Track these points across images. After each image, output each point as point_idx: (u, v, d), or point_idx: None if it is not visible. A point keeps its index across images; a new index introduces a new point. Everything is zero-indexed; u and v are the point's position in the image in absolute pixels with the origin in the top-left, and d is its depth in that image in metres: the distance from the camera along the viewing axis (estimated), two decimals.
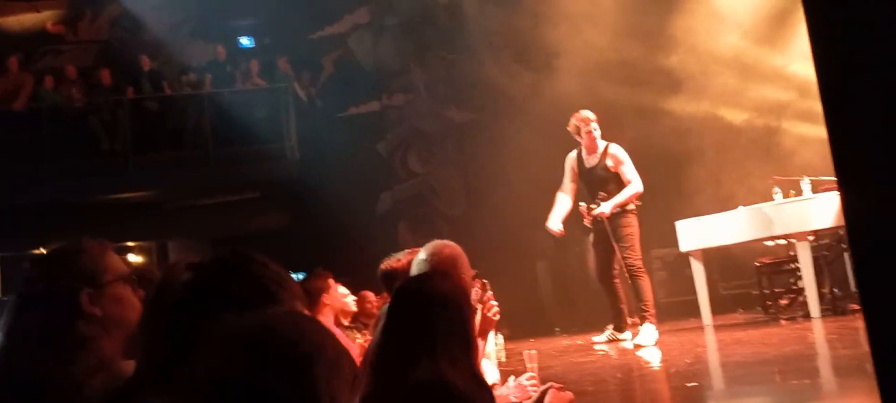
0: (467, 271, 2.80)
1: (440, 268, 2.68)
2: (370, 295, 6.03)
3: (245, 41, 12.40)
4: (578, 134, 6.70)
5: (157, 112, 11.18)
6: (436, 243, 2.86)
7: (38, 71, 11.53)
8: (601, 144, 6.67)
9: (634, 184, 6.53)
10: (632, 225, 6.49)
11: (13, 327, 1.64)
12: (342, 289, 4.74)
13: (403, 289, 2.16)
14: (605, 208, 6.45)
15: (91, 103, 11.11)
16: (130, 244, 12.81)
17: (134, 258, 12.99)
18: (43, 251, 1.88)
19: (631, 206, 6.53)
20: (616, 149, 6.65)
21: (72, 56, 12.12)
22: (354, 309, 4.90)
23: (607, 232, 6.51)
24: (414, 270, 2.82)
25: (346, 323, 4.76)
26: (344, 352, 1.08)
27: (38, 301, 1.65)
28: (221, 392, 1.03)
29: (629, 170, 6.57)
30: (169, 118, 11.16)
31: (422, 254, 2.83)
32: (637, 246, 6.49)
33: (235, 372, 1.03)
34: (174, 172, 10.77)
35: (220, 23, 12.05)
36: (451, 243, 2.88)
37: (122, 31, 12.44)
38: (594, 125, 6.64)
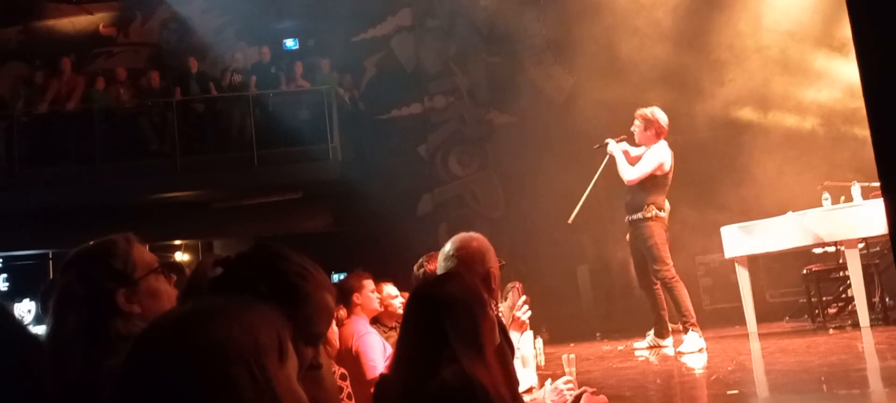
0: (494, 263, 2.77)
1: (460, 265, 2.67)
2: (407, 295, 6.05)
3: (289, 43, 12.56)
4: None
5: (203, 113, 11.40)
6: (462, 236, 2.83)
7: (89, 72, 11.84)
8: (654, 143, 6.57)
9: (626, 171, 6.47)
10: (654, 236, 6.37)
11: (58, 330, 1.69)
12: (391, 289, 4.77)
13: (414, 294, 2.17)
14: (613, 146, 6.56)
15: (141, 104, 11.37)
16: (177, 242, 13.08)
17: (181, 256, 13.25)
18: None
19: (650, 215, 6.40)
20: (654, 150, 6.53)
21: (123, 58, 12.42)
22: (401, 311, 4.91)
23: (635, 239, 6.50)
24: (440, 262, 2.80)
25: (392, 324, 4.77)
26: (262, 344, 1.02)
27: (78, 305, 1.69)
28: (121, 387, 1.02)
29: (639, 165, 6.49)
30: (215, 119, 11.36)
31: (448, 247, 2.81)
32: (664, 256, 6.36)
33: (133, 369, 1.02)
34: (220, 173, 10.95)
35: (264, 25, 12.23)
36: (478, 235, 2.85)
37: (172, 33, 12.70)
38: (637, 122, 6.60)
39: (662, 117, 6.58)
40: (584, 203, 6.78)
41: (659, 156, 6.45)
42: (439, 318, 2.01)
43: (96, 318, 1.68)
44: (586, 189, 6.75)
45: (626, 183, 6.52)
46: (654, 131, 6.51)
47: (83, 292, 1.71)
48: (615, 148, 6.60)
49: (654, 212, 6.39)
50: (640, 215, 6.42)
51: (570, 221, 6.89)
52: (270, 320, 1.06)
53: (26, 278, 11.83)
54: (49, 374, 1.65)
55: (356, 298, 4.23)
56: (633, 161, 6.59)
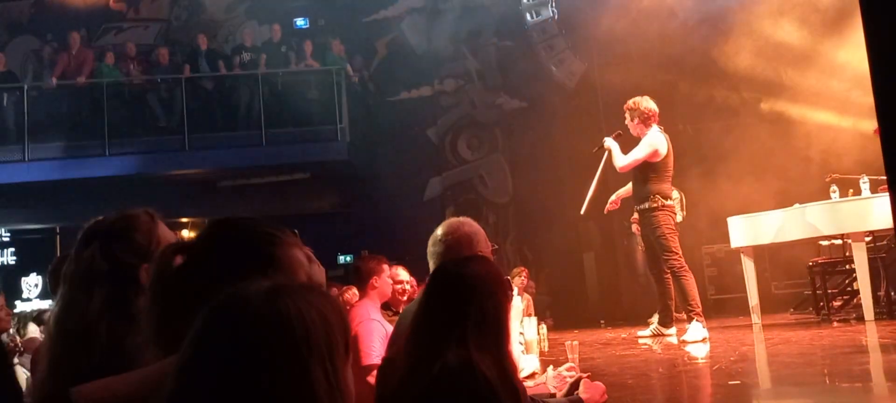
0: (485, 248, 2.77)
1: (448, 250, 2.67)
2: (413, 281, 6.07)
3: (300, 22, 12.52)
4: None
5: (212, 91, 11.40)
6: (452, 220, 2.83)
7: (99, 47, 11.85)
8: (646, 132, 6.56)
9: (617, 159, 6.49)
10: (661, 226, 6.36)
11: (83, 307, 1.68)
12: (403, 274, 4.75)
13: (439, 273, 2.16)
14: (609, 141, 6.61)
15: (150, 81, 11.38)
16: (184, 220, 13.11)
17: (187, 234, 13.30)
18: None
19: (656, 205, 6.39)
20: (646, 137, 6.51)
21: (132, 34, 12.42)
22: (405, 298, 4.93)
23: (645, 228, 6.50)
24: (429, 246, 2.79)
25: (399, 308, 4.78)
26: (330, 326, 1.03)
27: (103, 281, 1.69)
28: (196, 352, 1.00)
29: (634, 150, 6.49)
30: (224, 97, 11.37)
31: (438, 231, 2.80)
32: (673, 245, 6.35)
33: (214, 344, 1.00)
34: (228, 151, 10.97)
35: (275, 3, 12.20)
36: (469, 220, 2.84)
37: (182, 10, 12.69)
38: (626, 114, 6.60)
39: (647, 105, 6.58)
40: (592, 195, 6.79)
41: (651, 142, 6.45)
42: (464, 299, 2.01)
43: (119, 294, 1.67)
44: (592, 182, 6.76)
45: (618, 170, 6.54)
46: (640, 119, 6.54)
47: (107, 267, 1.70)
48: (611, 142, 6.61)
49: (660, 202, 6.38)
50: (646, 205, 6.42)
51: (582, 212, 6.91)
52: (339, 310, 1.06)
53: (34, 252, 11.89)
54: (71, 351, 1.65)
55: (374, 282, 4.23)
56: (651, 175, 6.53)
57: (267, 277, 1.08)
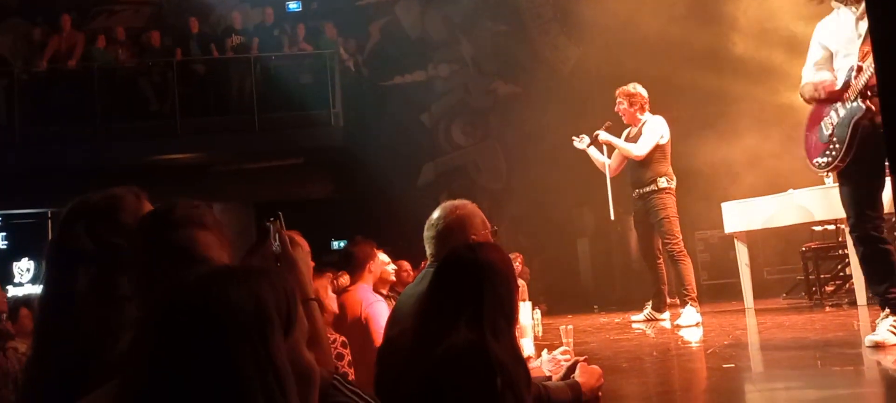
0: (482, 231, 2.76)
1: (439, 236, 2.67)
2: (406, 265, 6.08)
3: (293, 5, 12.44)
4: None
5: (204, 75, 11.33)
6: (448, 204, 2.83)
7: (90, 30, 11.75)
8: (643, 118, 6.56)
9: (634, 148, 6.45)
10: (666, 208, 6.36)
11: (66, 287, 1.67)
12: (383, 257, 4.78)
13: (455, 255, 2.15)
14: (602, 135, 6.59)
15: (141, 64, 11.30)
16: None
17: None
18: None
19: (663, 185, 6.39)
20: (651, 122, 6.51)
21: (124, 17, 12.32)
22: (394, 278, 4.95)
23: (645, 212, 6.48)
24: (426, 230, 2.79)
25: (384, 291, 4.80)
26: (263, 305, 1.03)
27: (87, 259, 1.67)
28: (137, 345, 1.03)
29: (643, 139, 6.46)
30: (216, 81, 11.30)
31: (435, 214, 2.80)
32: (675, 230, 6.36)
33: (150, 330, 1.02)
34: (220, 136, 10.91)
35: None
36: (466, 202, 2.84)
37: None
38: (622, 101, 6.56)
39: (642, 91, 6.60)
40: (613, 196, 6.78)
41: (658, 126, 6.45)
42: (479, 283, 2.01)
43: (105, 275, 1.66)
44: (607, 185, 6.74)
45: (636, 158, 6.47)
46: (640, 105, 6.55)
47: (93, 248, 1.68)
48: (608, 136, 6.60)
49: (665, 184, 6.38)
50: (651, 187, 6.41)
51: (612, 218, 6.91)
52: (280, 288, 1.06)
53: (25, 237, 11.85)
54: (56, 331, 1.63)
55: (371, 266, 4.26)
56: (655, 160, 6.51)
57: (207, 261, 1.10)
